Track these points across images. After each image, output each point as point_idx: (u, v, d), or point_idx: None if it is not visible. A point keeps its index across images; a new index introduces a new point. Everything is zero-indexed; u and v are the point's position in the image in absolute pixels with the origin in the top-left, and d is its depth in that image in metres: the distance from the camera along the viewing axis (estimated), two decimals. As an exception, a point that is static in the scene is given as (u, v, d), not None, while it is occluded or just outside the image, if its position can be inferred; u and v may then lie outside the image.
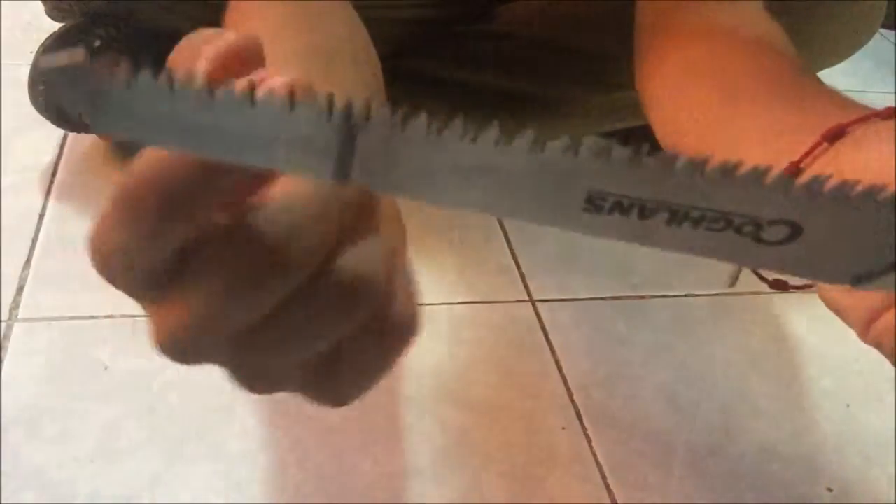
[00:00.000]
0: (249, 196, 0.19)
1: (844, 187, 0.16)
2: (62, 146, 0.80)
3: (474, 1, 0.77)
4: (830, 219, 0.16)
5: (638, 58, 0.50)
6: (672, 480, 0.57)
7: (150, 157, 0.18)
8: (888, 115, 0.30)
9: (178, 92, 0.16)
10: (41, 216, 0.72)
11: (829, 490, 0.58)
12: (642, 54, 0.49)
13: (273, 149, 0.16)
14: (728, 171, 0.16)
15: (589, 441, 0.59)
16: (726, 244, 0.17)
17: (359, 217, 0.20)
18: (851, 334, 0.29)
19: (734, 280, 0.45)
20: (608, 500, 0.56)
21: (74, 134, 0.79)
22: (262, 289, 0.19)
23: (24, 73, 0.74)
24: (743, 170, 0.16)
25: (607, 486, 0.56)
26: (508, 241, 0.77)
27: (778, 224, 0.17)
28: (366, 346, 0.22)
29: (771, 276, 0.37)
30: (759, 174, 0.16)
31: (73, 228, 0.71)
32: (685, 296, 0.74)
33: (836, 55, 0.73)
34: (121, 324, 0.62)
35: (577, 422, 0.61)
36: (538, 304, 0.71)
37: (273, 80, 0.17)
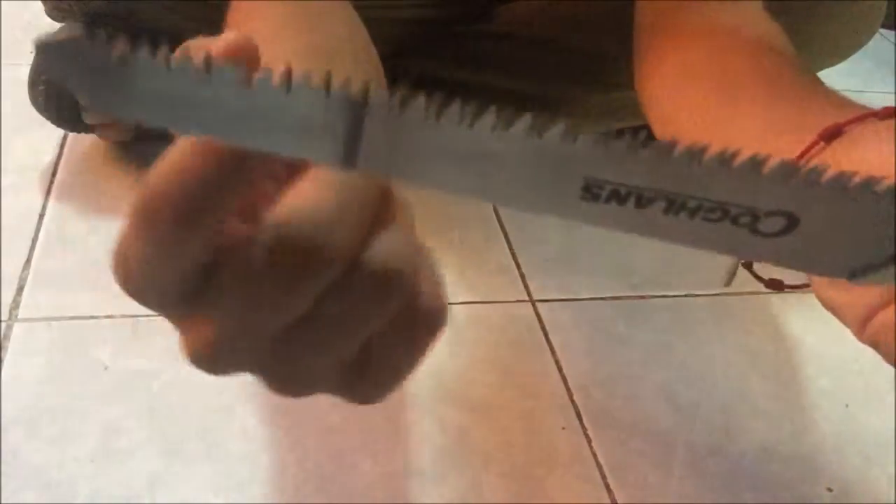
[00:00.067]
0: (268, 201, 0.19)
1: (842, 178, 0.16)
2: (62, 146, 0.80)
3: (474, 1, 0.77)
4: (827, 210, 0.16)
5: (637, 58, 0.50)
6: (672, 480, 0.57)
7: (164, 169, 0.18)
8: (885, 115, 0.30)
9: (175, 69, 0.15)
10: (41, 216, 0.72)
11: (829, 490, 0.58)
12: (642, 54, 0.49)
13: (276, 131, 0.16)
14: (725, 160, 0.16)
15: (589, 441, 0.59)
16: (723, 235, 0.17)
17: (379, 206, 0.20)
18: (851, 334, 0.29)
19: (730, 278, 0.45)
20: (608, 500, 0.56)
21: (74, 134, 0.79)
22: (294, 293, 0.19)
23: (24, 73, 0.74)
24: (740, 159, 0.16)
25: (607, 486, 0.56)
26: (508, 241, 0.77)
27: (774, 215, 0.17)
28: (396, 340, 0.22)
29: (767, 275, 0.37)
30: (756, 163, 0.16)
31: (73, 228, 0.71)
32: (685, 296, 0.74)
33: (836, 55, 0.73)
34: (121, 324, 0.62)
35: (577, 422, 0.61)
36: (538, 304, 0.71)
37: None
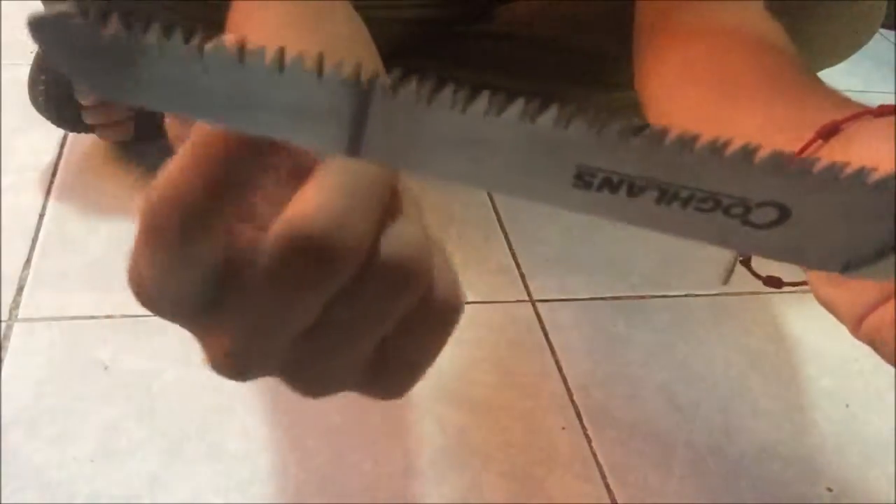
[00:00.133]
0: (276, 207, 0.19)
1: (833, 169, 0.16)
2: (62, 146, 0.80)
3: (474, 1, 0.77)
4: (819, 202, 0.16)
5: (637, 58, 0.50)
6: (672, 480, 0.57)
7: (168, 175, 0.18)
8: (881, 113, 0.30)
9: (167, 49, 0.15)
10: (41, 216, 0.72)
11: (829, 490, 0.58)
12: (642, 54, 0.49)
13: (276, 114, 0.16)
14: (717, 148, 0.16)
15: (589, 441, 0.59)
16: (715, 226, 0.17)
17: (387, 202, 0.20)
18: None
19: (729, 276, 0.45)
20: (608, 500, 0.56)
21: (74, 134, 0.79)
22: (308, 297, 0.19)
23: (24, 73, 0.74)
24: (732, 148, 0.16)
25: (607, 486, 0.56)
26: (508, 241, 0.77)
27: (766, 206, 0.16)
28: (414, 333, 0.22)
29: (765, 273, 0.37)
30: (747, 153, 0.16)
31: (73, 228, 0.71)
32: (685, 296, 0.74)
33: (836, 55, 0.73)
34: (121, 324, 0.62)
35: (577, 422, 0.61)
36: (538, 304, 0.71)
37: None
